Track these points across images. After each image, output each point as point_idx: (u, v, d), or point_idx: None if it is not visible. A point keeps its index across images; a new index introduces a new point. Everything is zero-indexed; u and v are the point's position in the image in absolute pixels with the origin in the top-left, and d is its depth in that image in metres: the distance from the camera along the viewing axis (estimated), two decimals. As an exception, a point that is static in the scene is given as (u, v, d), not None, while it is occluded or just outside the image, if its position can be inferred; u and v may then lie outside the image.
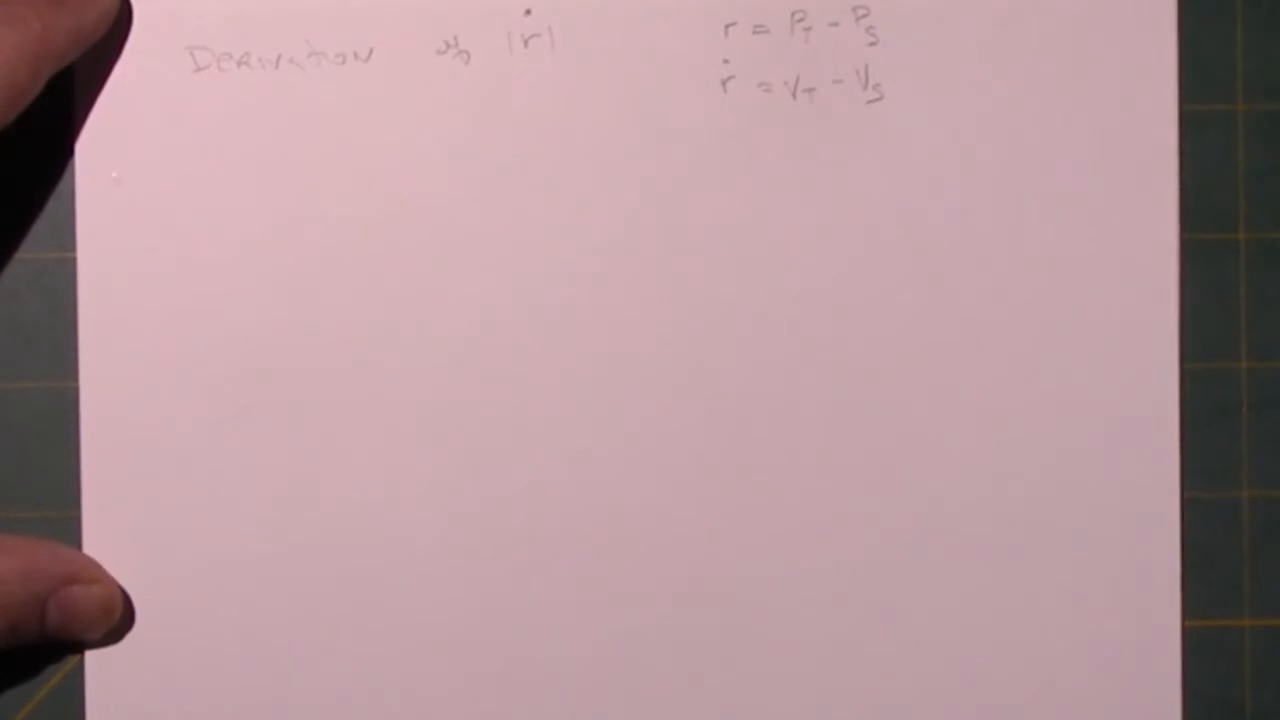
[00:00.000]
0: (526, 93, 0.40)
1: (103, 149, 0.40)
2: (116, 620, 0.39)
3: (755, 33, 0.40)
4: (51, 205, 0.40)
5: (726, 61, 0.40)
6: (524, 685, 0.40)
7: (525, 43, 0.40)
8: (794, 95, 0.40)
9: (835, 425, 0.40)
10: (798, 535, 0.40)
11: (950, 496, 0.40)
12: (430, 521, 0.40)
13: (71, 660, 0.40)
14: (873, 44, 0.40)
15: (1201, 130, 0.41)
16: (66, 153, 0.40)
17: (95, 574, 0.39)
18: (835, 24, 0.40)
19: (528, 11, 0.40)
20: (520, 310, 0.40)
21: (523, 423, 0.39)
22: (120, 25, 0.39)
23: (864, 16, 0.40)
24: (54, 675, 0.40)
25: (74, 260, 0.40)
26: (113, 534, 0.40)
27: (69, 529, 0.40)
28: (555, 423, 0.40)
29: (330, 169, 0.40)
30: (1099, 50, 0.40)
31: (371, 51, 0.40)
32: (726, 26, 0.40)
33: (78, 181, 0.40)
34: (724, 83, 0.40)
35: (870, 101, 0.40)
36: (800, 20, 0.40)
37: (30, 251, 0.40)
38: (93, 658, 0.40)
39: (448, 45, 0.40)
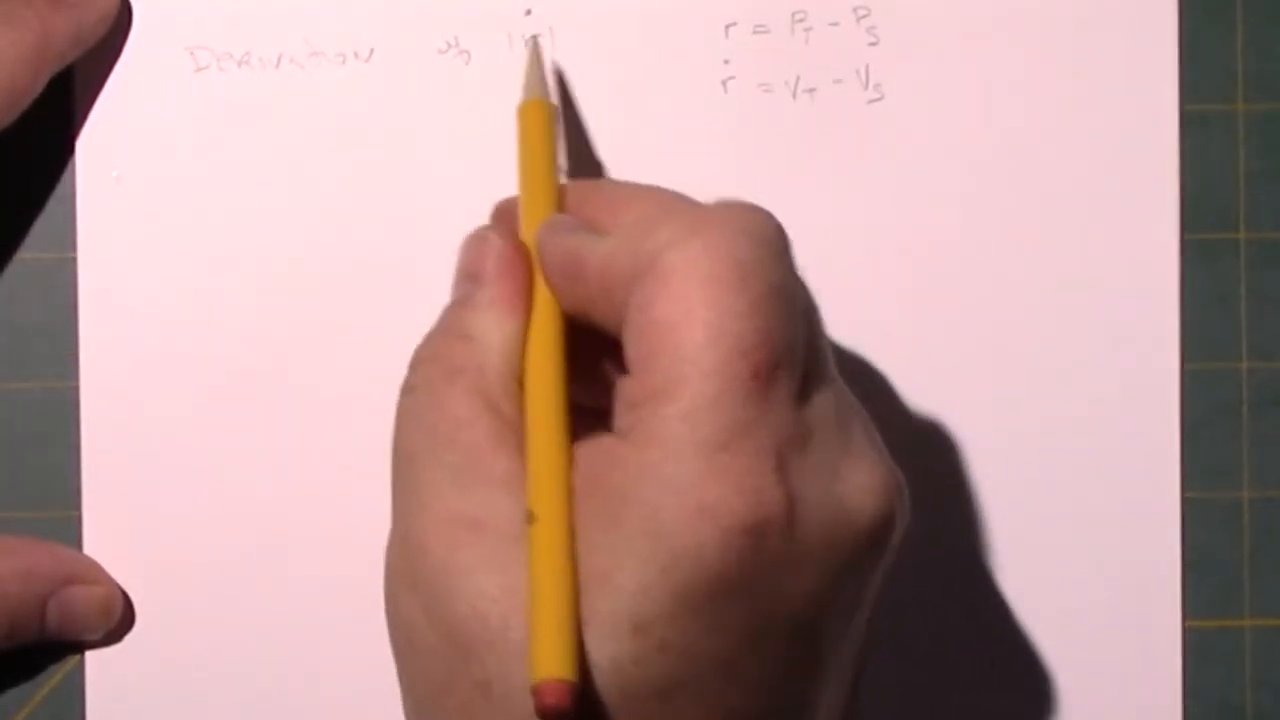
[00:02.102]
0: (527, 93, 0.40)
1: (103, 149, 0.40)
2: (116, 620, 0.39)
3: (755, 33, 0.40)
4: (51, 205, 0.40)
5: (727, 62, 0.40)
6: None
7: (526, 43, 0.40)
8: (794, 95, 0.40)
9: (835, 425, 0.40)
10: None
11: (950, 496, 0.40)
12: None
13: (71, 660, 0.40)
14: (873, 44, 0.40)
15: (1201, 130, 0.41)
16: (66, 152, 0.40)
17: (95, 574, 0.39)
18: (835, 24, 0.40)
19: (528, 12, 0.40)
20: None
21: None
22: (120, 25, 0.39)
23: (864, 17, 0.40)
24: (54, 675, 0.40)
25: (74, 260, 0.40)
26: (113, 534, 0.40)
27: (69, 529, 0.40)
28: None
29: (330, 169, 0.40)
30: (1099, 50, 0.40)
31: (372, 51, 0.40)
32: (726, 27, 0.40)
33: (78, 181, 0.40)
34: (724, 83, 0.40)
35: (870, 102, 0.40)
36: (800, 20, 0.40)
37: (30, 251, 0.40)
38: (93, 658, 0.40)
39: (448, 45, 0.40)
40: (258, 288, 0.40)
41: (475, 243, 0.34)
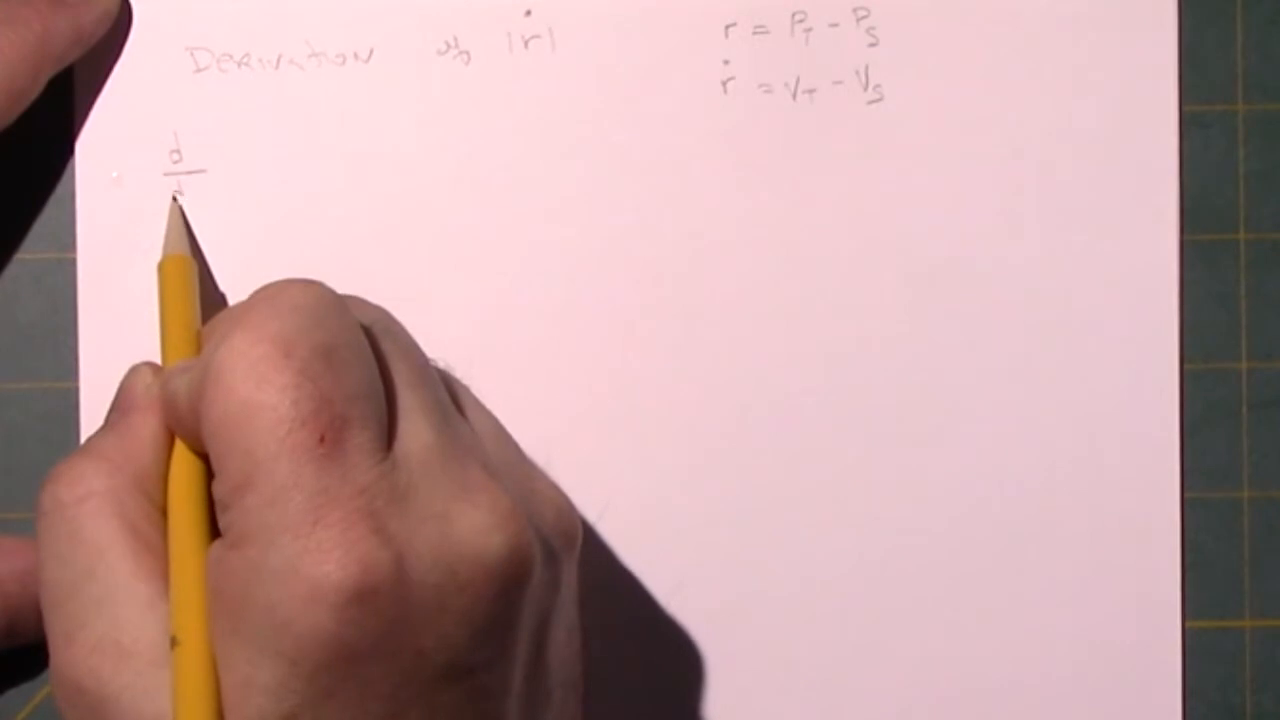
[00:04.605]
0: (526, 93, 0.40)
1: (103, 149, 0.40)
2: (114, 621, 0.39)
3: (755, 33, 0.40)
4: (51, 205, 0.40)
5: (726, 62, 0.40)
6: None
7: (525, 43, 0.40)
8: (794, 96, 0.40)
9: (833, 425, 0.40)
10: (793, 537, 0.40)
11: (950, 497, 0.40)
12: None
13: (71, 660, 0.40)
14: (873, 45, 0.40)
15: (1201, 130, 0.41)
16: (66, 153, 0.40)
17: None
18: (835, 25, 0.40)
19: (528, 12, 0.40)
20: (519, 310, 0.40)
21: (520, 422, 0.39)
22: (120, 25, 0.39)
23: (864, 17, 0.40)
24: (54, 675, 0.40)
25: (74, 260, 0.40)
26: (112, 534, 0.40)
27: (69, 529, 0.40)
28: (551, 422, 0.40)
29: (330, 169, 0.40)
30: (1099, 50, 0.40)
31: (371, 51, 0.40)
32: (726, 27, 0.40)
33: (78, 181, 0.40)
34: (724, 83, 0.40)
35: (870, 102, 0.40)
36: (800, 21, 0.40)
37: (30, 251, 0.40)
38: (92, 658, 0.40)
39: (448, 45, 0.40)
40: (256, 287, 0.40)
41: (129, 376, 0.35)
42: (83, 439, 0.39)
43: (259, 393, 0.30)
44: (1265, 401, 0.41)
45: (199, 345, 0.35)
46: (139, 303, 0.40)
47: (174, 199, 0.39)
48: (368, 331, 0.33)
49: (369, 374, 0.32)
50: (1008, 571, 0.40)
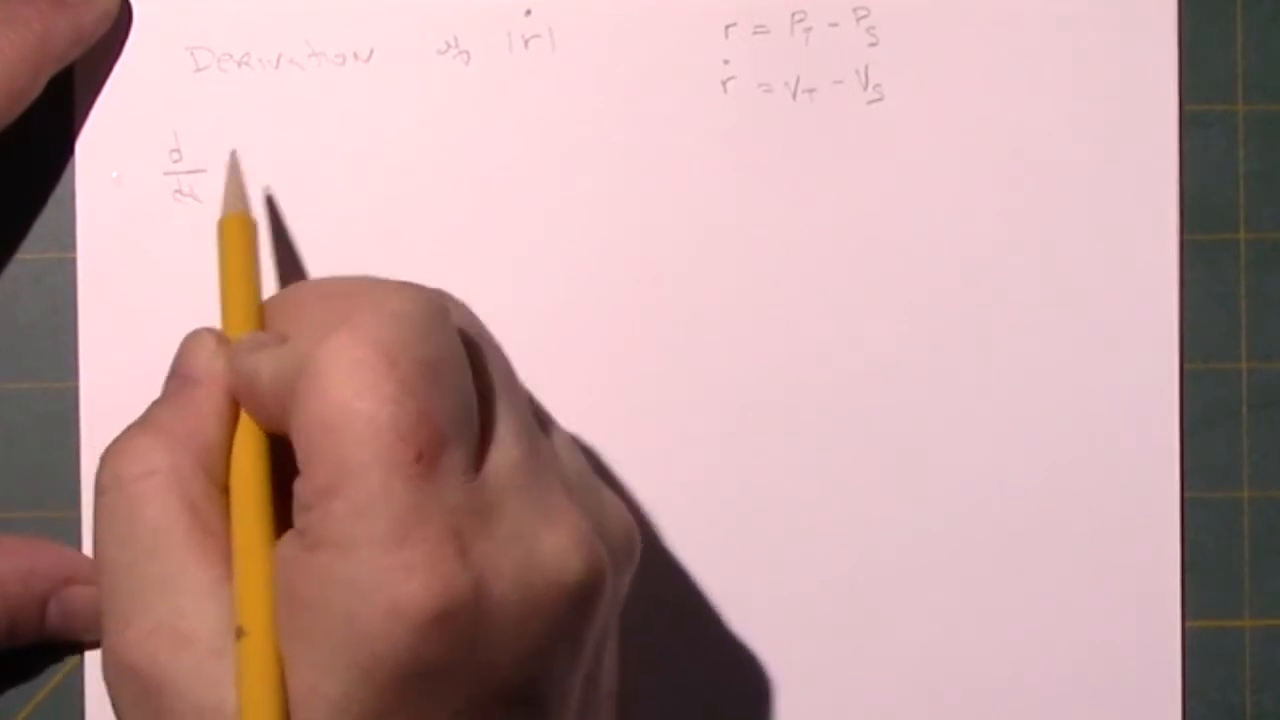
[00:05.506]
0: (526, 93, 0.40)
1: (103, 149, 0.40)
2: (116, 620, 0.39)
3: (755, 33, 0.40)
4: (51, 205, 0.40)
5: (727, 62, 0.40)
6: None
7: (525, 43, 0.40)
8: (794, 96, 0.40)
9: (833, 425, 0.40)
10: (795, 536, 0.40)
11: (951, 496, 0.40)
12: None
13: (71, 660, 0.40)
14: (873, 45, 0.40)
15: (1201, 130, 0.41)
16: (66, 153, 0.40)
17: (95, 574, 0.39)
18: (835, 24, 0.40)
19: (528, 12, 0.40)
20: (518, 309, 0.40)
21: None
22: (120, 25, 0.39)
23: (864, 17, 0.40)
24: (54, 675, 0.40)
25: (74, 260, 0.40)
26: (112, 534, 0.40)
27: (69, 529, 0.40)
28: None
29: (330, 169, 0.40)
30: (1099, 50, 0.40)
31: (371, 51, 0.40)
32: (726, 27, 0.40)
33: (78, 181, 0.40)
34: (724, 83, 0.40)
35: (870, 102, 0.40)
36: (800, 21, 0.40)
37: (30, 251, 0.40)
38: (92, 658, 0.40)
39: (448, 45, 0.40)
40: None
41: (190, 342, 0.34)
42: (83, 439, 0.40)
43: (359, 400, 0.29)
44: (1265, 401, 0.41)
45: (262, 315, 0.34)
46: (139, 302, 0.40)
47: (233, 153, 0.38)
48: (465, 338, 0.32)
49: (467, 390, 0.31)
50: (1008, 571, 0.40)
